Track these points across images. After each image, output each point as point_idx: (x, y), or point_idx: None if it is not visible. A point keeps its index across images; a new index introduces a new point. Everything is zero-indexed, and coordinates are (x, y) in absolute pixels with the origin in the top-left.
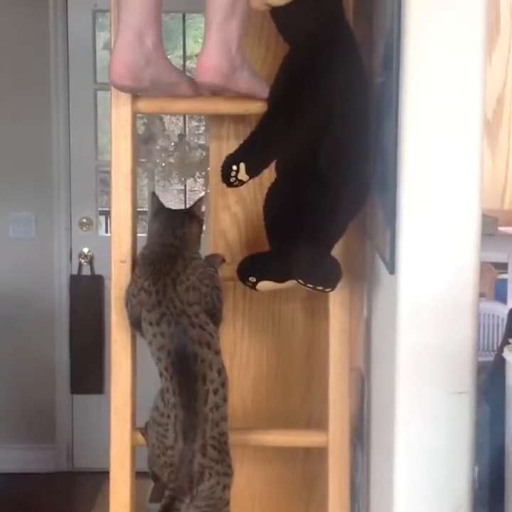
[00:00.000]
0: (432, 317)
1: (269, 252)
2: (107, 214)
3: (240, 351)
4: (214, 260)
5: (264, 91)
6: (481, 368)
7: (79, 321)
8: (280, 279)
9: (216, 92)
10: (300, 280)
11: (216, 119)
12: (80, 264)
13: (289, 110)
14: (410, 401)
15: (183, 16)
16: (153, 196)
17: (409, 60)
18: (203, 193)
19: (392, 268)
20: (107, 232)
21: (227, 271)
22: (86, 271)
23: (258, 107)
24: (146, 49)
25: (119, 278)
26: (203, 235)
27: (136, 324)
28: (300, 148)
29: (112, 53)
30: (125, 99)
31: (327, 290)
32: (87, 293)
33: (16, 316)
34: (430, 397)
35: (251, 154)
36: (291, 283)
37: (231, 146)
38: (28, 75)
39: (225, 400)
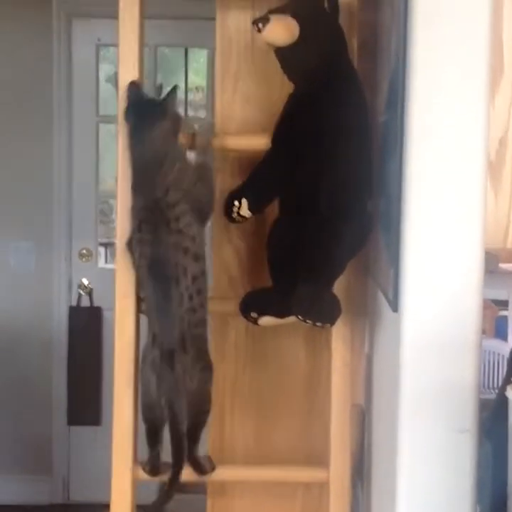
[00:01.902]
0: (434, 355)
1: (271, 287)
2: (106, 245)
3: (242, 385)
4: (205, 139)
5: None
6: (482, 406)
7: (77, 352)
8: (281, 314)
9: None
10: (299, 316)
11: (221, 155)
12: (79, 295)
13: (291, 148)
14: (412, 439)
15: (185, 49)
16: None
17: (414, 101)
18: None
19: (395, 306)
20: (106, 263)
21: (230, 305)
22: (85, 302)
23: (262, 144)
24: None
25: (122, 312)
26: (207, 268)
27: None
28: (302, 185)
29: None
30: None
31: (326, 326)
32: (85, 324)
33: (14, 347)
34: (432, 435)
35: (253, 191)
36: (292, 318)
37: (235, 181)
38: (31, 106)
39: (202, 305)
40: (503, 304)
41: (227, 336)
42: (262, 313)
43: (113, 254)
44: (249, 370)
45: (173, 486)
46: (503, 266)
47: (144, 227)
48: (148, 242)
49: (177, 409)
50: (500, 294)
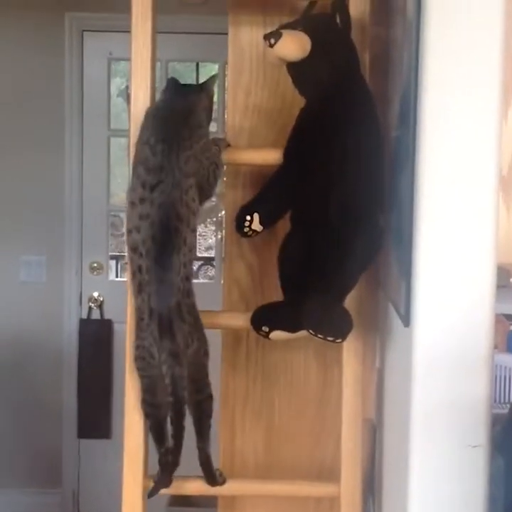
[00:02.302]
0: (446, 370)
1: (283, 301)
2: (117, 258)
3: (253, 399)
4: (219, 141)
5: None
6: (493, 421)
7: (87, 365)
8: (293, 329)
9: None
10: (310, 330)
11: (232, 169)
12: (90, 308)
13: (303, 162)
14: (424, 453)
15: (197, 64)
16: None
17: (426, 117)
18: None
19: (407, 321)
20: (117, 276)
21: (241, 320)
22: (95, 315)
23: (274, 159)
24: None
25: (133, 326)
26: (215, 282)
27: None
28: (313, 200)
29: None
30: None
31: (338, 341)
32: (96, 337)
33: (25, 359)
34: (444, 450)
35: (265, 205)
36: (303, 333)
37: (246, 195)
38: (42, 119)
39: (191, 274)
40: None
41: (238, 350)
42: (274, 327)
43: (123, 268)
44: (260, 384)
45: (175, 461)
46: None
47: (157, 189)
48: (157, 205)
49: (178, 376)
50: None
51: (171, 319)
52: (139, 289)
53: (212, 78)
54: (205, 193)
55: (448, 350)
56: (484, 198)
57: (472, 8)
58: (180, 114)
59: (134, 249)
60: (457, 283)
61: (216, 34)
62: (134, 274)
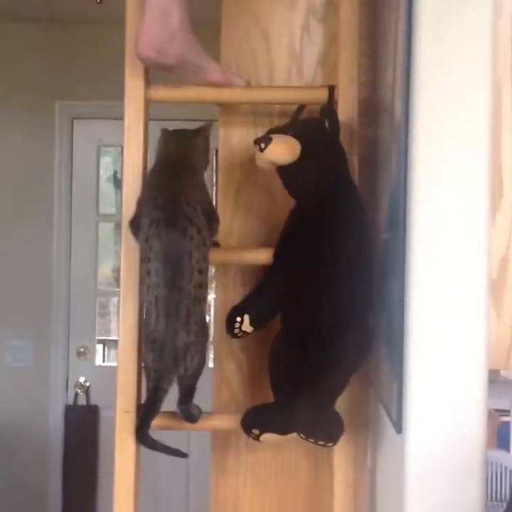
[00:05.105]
0: (439, 475)
1: (273, 403)
2: (104, 342)
3: (242, 500)
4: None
5: (218, 73)
6: None
7: (73, 451)
8: (283, 431)
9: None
10: (301, 434)
11: (222, 268)
12: (76, 394)
13: (292, 264)
14: None
15: None
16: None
17: (416, 222)
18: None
19: (399, 427)
20: (104, 361)
21: (231, 421)
22: (82, 400)
23: (265, 259)
24: (171, 25)
25: (122, 428)
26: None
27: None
28: (303, 302)
29: (139, 28)
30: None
31: (329, 445)
32: (82, 423)
33: (10, 445)
34: None
35: (255, 307)
36: (294, 434)
37: (236, 294)
38: (32, 205)
39: (206, 284)
40: (504, 411)
41: (227, 451)
42: (264, 430)
43: (111, 352)
44: (250, 484)
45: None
46: (504, 373)
47: (159, 204)
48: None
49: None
50: (503, 404)
51: (176, 333)
52: (149, 288)
53: (208, 124)
54: (213, 218)
55: (441, 456)
56: (474, 302)
57: (459, 112)
58: (182, 160)
59: (144, 259)
60: (449, 388)
61: (206, 121)
62: (145, 276)
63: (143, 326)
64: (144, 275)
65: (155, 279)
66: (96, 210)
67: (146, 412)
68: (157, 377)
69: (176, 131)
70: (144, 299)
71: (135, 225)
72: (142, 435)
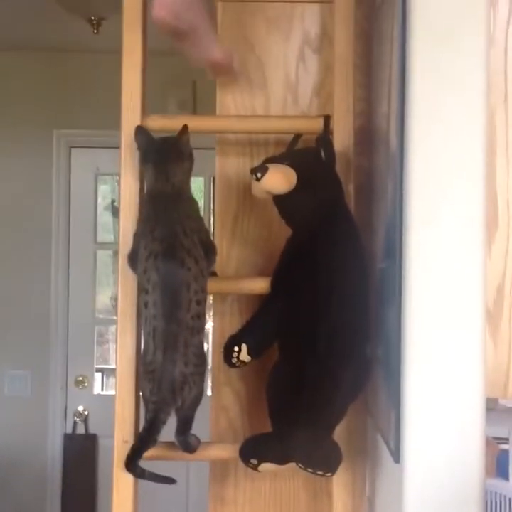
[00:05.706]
0: (438, 505)
1: (271, 433)
2: (103, 371)
3: None
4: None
5: (220, 53)
6: None
7: (72, 480)
8: (281, 461)
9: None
10: (300, 464)
11: (219, 297)
12: (75, 423)
13: (289, 294)
14: None
15: None
16: (141, 131)
17: (412, 254)
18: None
19: (397, 457)
20: (102, 389)
21: (229, 450)
22: (80, 429)
23: (262, 288)
24: None
25: (121, 457)
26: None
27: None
28: (300, 331)
29: None
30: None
31: (328, 475)
32: (80, 452)
33: (8, 474)
34: None
35: (252, 336)
36: (292, 464)
37: (234, 323)
38: (29, 233)
39: (204, 314)
40: (503, 439)
41: (226, 481)
42: (262, 460)
43: (109, 380)
44: None
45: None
46: (502, 401)
47: (156, 235)
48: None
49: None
50: (501, 432)
51: (174, 365)
52: (147, 319)
53: (185, 133)
54: (210, 248)
55: (440, 485)
56: (471, 332)
57: (454, 141)
58: (171, 197)
59: (142, 289)
60: (447, 418)
61: (202, 149)
62: (142, 306)
63: (141, 356)
64: (142, 307)
65: (153, 310)
66: (94, 239)
67: (140, 443)
68: (155, 409)
69: (159, 153)
70: (142, 330)
71: (133, 258)
72: (132, 464)
